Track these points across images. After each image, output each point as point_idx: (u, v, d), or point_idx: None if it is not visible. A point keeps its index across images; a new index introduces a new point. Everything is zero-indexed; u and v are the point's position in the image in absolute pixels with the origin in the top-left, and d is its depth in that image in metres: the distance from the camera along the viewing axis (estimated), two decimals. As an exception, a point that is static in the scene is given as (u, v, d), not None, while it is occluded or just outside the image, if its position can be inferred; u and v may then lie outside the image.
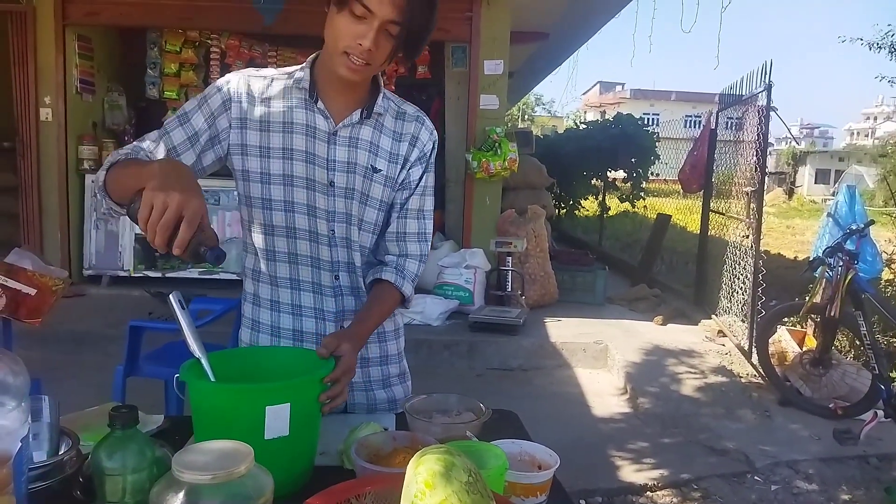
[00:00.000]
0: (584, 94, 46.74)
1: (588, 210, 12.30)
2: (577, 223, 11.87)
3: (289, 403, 1.08)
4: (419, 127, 1.43)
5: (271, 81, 1.35)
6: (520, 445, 1.26)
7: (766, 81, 4.83)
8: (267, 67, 1.43)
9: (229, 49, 6.66)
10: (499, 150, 5.79)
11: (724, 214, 5.89)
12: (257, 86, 1.34)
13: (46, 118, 5.91)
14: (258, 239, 1.39)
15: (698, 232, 6.68)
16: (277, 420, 1.07)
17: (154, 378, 2.89)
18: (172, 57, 6.62)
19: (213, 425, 1.07)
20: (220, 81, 1.35)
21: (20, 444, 0.78)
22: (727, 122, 6.18)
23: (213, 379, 1.12)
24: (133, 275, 6.02)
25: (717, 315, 5.69)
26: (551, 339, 4.95)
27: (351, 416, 1.47)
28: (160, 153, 1.26)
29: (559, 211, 10.80)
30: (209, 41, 6.63)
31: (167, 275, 5.81)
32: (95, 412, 1.40)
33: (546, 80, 13.38)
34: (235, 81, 1.34)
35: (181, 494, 0.78)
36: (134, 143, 1.31)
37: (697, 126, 7.98)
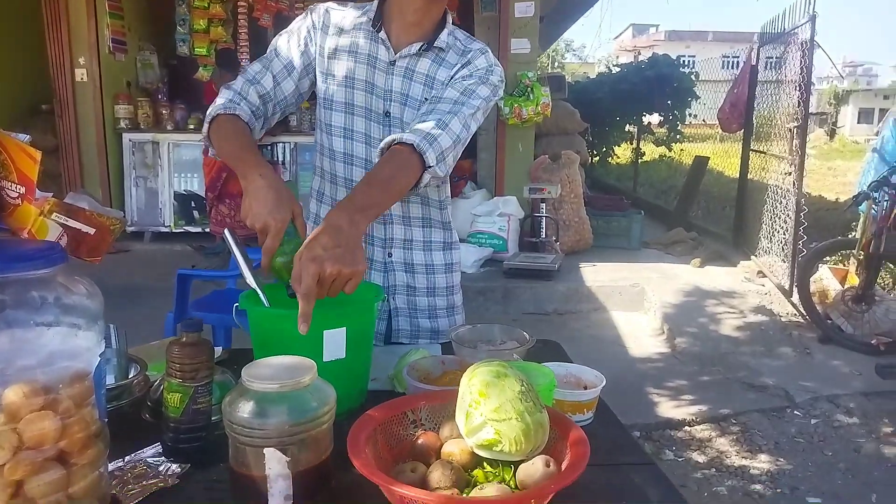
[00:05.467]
0: (616, 37, 45.24)
1: (621, 157, 12.08)
2: (611, 170, 11.69)
3: (345, 328, 1.12)
4: (478, 55, 1.38)
5: (346, 12, 1.40)
6: (566, 368, 1.28)
7: (811, 12, 4.63)
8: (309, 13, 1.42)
9: (256, 2, 6.62)
10: (531, 95, 5.70)
11: (764, 153, 5.75)
12: (335, 16, 1.40)
13: (82, 79, 5.99)
14: (323, 161, 1.46)
15: (736, 176, 6.55)
16: (334, 343, 1.11)
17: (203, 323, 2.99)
18: (201, 13, 6.62)
19: (274, 350, 1.12)
20: (305, 12, 1.42)
21: (98, 358, 0.83)
22: (767, 62, 5.96)
23: (267, 304, 1.17)
24: (174, 230, 6.17)
25: (756, 256, 5.62)
26: (587, 284, 4.96)
27: (397, 346, 1.51)
28: (268, 83, 1.36)
29: (592, 158, 10.63)
30: (236, -5, 6.60)
31: (206, 229, 5.93)
32: (157, 346, 1.46)
33: (576, 24, 13.01)
34: (317, 13, 1.40)
35: (251, 402, 0.83)
36: (237, 81, 1.36)
37: (736, 67, 7.72)
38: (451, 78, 1.38)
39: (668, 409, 3.24)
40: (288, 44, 1.39)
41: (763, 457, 2.85)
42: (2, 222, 1.16)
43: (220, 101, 1.32)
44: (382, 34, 1.36)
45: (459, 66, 1.38)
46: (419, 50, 1.36)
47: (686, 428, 3.08)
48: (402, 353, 1.32)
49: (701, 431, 3.06)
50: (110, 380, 1.13)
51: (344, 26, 1.39)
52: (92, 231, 1.21)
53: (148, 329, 3.51)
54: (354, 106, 1.38)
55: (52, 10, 5.86)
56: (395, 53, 1.37)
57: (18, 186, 1.15)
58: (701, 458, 2.84)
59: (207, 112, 1.31)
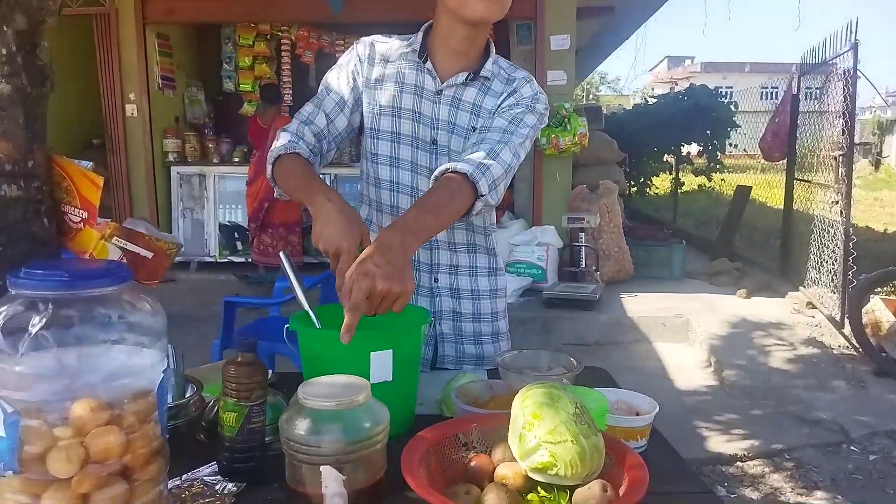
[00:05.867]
0: (651, 69, 45.17)
1: (659, 188, 11.96)
2: (649, 201, 11.56)
3: (391, 350, 1.12)
4: (523, 83, 1.41)
5: (391, 44, 1.43)
6: (616, 393, 1.26)
7: (853, 40, 4.58)
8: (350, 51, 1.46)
9: (299, 40, 6.83)
10: (568, 126, 5.72)
11: (809, 182, 5.63)
12: (379, 48, 1.43)
13: (132, 114, 6.23)
14: (369, 190, 1.48)
15: (778, 206, 6.43)
16: (382, 365, 1.12)
17: (246, 351, 3.03)
18: (246, 50, 6.86)
19: (323, 371, 1.13)
20: (352, 47, 1.45)
21: (161, 376, 0.84)
22: (808, 92, 5.88)
23: (318, 325, 1.18)
24: (219, 260, 6.31)
25: (804, 287, 5.46)
26: (629, 314, 4.88)
27: (443, 371, 1.51)
28: (322, 122, 1.39)
29: (630, 189, 10.55)
30: (280, 33, 6.82)
31: (248, 259, 6.05)
32: (208, 369, 1.49)
33: (611, 57, 13.05)
34: (363, 45, 1.44)
35: (307, 420, 0.84)
36: (293, 123, 1.39)
37: (775, 97, 7.64)
38: (498, 107, 1.39)
39: (719, 443, 3.15)
40: (338, 80, 1.43)
41: (820, 494, 2.74)
42: (64, 246, 1.20)
43: (278, 143, 1.35)
44: (429, 64, 1.38)
45: (505, 94, 1.40)
46: (465, 80, 1.38)
47: (738, 463, 2.97)
48: (449, 377, 1.32)
49: (753, 467, 2.95)
50: (168, 399, 1.14)
51: (389, 57, 1.42)
52: (150, 255, 1.24)
53: (194, 356, 3.55)
54: (401, 135, 1.40)
55: (105, 49, 6.13)
56: (442, 83, 1.39)
57: (81, 211, 1.19)
58: (754, 495, 2.74)
59: (268, 156, 1.35)
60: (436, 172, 1.26)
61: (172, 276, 5.92)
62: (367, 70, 1.42)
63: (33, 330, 0.75)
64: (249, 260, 5.98)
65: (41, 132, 1.16)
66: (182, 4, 6.11)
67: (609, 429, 1.10)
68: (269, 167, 1.35)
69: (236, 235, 6.35)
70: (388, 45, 1.43)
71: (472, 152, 1.28)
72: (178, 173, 6.39)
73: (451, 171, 1.23)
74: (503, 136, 1.31)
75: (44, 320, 0.76)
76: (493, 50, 1.43)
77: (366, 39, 1.45)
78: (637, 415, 1.18)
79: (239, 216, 6.31)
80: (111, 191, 6.30)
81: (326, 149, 1.42)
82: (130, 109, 6.23)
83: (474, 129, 1.39)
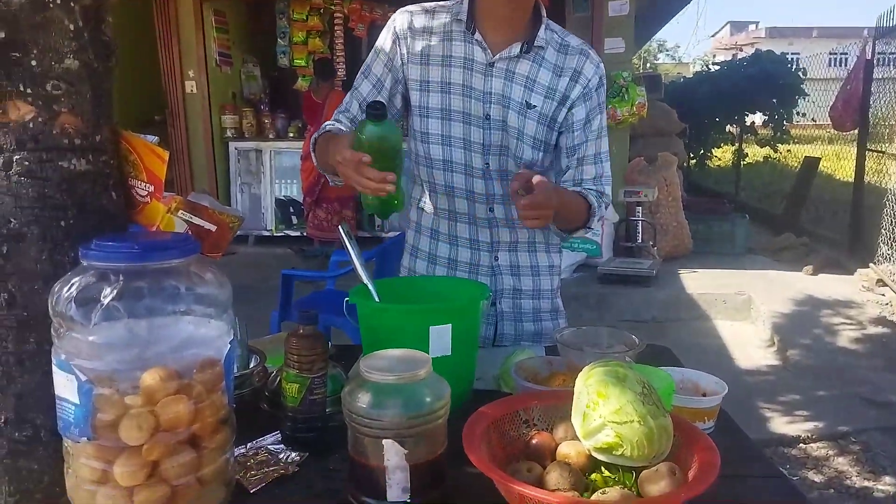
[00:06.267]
0: (712, 35, 43.38)
1: (721, 160, 11.54)
2: (709, 173, 11.18)
3: (450, 324, 1.11)
4: (583, 60, 1.36)
5: (433, 15, 1.36)
6: (681, 373, 1.22)
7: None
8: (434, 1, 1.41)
9: (351, 13, 6.82)
10: (626, 96, 5.55)
11: (883, 153, 5.34)
12: (419, 21, 1.36)
13: (191, 91, 6.36)
14: (421, 171, 1.44)
15: (848, 179, 6.13)
16: (440, 339, 1.11)
17: (304, 323, 3.10)
18: (300, 25, 6.89)
19: (382, 344, 1.13)
20: (389, 22, 1.39)
21: (228, 346, 0.86)
22: (881, 58, 5.53)
23: (377, 299, 1.18)
24: (275, 234, 6.44)
25: (875, 263, 5.21)
26: (687, 291, 4.76)
27: (501, 348, 1.49)
28: (354, 108, 1.39)
29: (689, 161, 10.22)
30: (333, 6, 6.82)
31: (304, 233, 6.15)
32: (269, 340, 1.52)
33: (670, 23, 12.60)
34: (400, 19, 1.37)
35: (369, 394, 0.83)
36: (336, 112, 1.41)
37: (844, 64, 7.22)
38: (568, 103, 1.36)
39: (781, 424, 3.05)
40: (375, 61, 1.38)
41: (888, 479, 2.63)
42: (132, 219, 1.23)
43: (316, 133, 1.37)
44: (477, 35, 1.32)
45: (565, 76, 1.35)
46: (520, 51, 1.32)
47: (801, 445, 2.88)
48: (507, 353, 1.30)
49: (817, 449, 2.85)
50: (234, 369, 1.17)
51: (433, 28, 1.35)
52: (213, 228, 1.26)
53: (254, 328, 3.65)
54: (451, 111, 1.35)
55: (164, 27, 6.25)
56: (493, 55, 1.32)
57: (148, 185, 1.21)
58: (818, 478, 2.65)
59: (309, 147, 1.38)
60: (567, 180, 1.40)
61: (232, 250, 6.06)
62: (408, 45, 1.35)
63: (105, 301, 0.76)
64: (305, 234, 6.07)
65: (108, 107, 1.18)
66: (238, -21, 6.16)
67: (676, 409, 1.07)
68: (312, 155, 1.37)
69: (291, 210, 6.45)
70: (429, 16, 1.36)
71: (577, 176, 1.40)
72: (235, 149, 6.51)
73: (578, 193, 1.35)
74: (597, 168, 1.42)
75: (115, 291, 0.77)
76: (545, 14, 1.36)
77: (402, 15, 1.37)
78: (704, 395, 1.15)
79: (294, 191, 6.40)
80: (173, 166, 6.47)
81: None
82: (190, 86, 6.36)
83: (528, 103, 1.34)
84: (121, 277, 0.78)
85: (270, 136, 6.59)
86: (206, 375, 0.82)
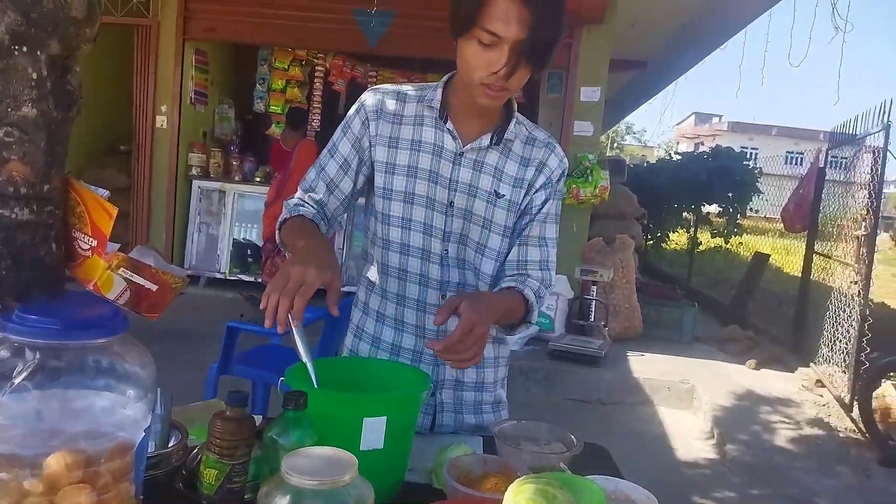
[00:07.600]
0: (677, 124, 45.36)
1: (676, 243, 11.89)
2: (664, 256, 11.49)
3: (385, 417, 1.08)
4: (548, 153, 1.39)
5: (405, 99, 1.37)
6: (614, 483, 1.21)
7: (885, 121, 4.57)
8: (404, 84, 1.42)
9: (333, 68, 6.94)
10: (590, 178, 5.71)
11: (829, 257, 5.56)
12: (390, 103, 1.36)
13: (161, 125, 6.31)
14: (375, 251, 1.42)
15: (796, 274, 6.34)
16: (373, 432, 1.08)
17: (243, 378, 3.01)
18: (280, 73, 6.97)
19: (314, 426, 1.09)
20: (358, 103, 1.39)
21: (143, 434, 0.82)
22: (834, 162, 5.86)
23: (316, 385, 1.14)
24: (228, 277, 6.32)
25: (815, 363, 5.35)
26: (634, 375, 4.80)
27: (438, 436, 1.46)
28: (321, 190, 1.38)
29: (646, 243, 10.50)
30: (315, 60, 6.93)
31: (258, 279, 6.04)
32: (199, 407, 1.46)
33: (639, 109, 13.14)
34: (371, 100, 1.37)
35: (287, 497, 0.80)
36: (297, 192, 1.40)
37: (799, 163, 7.61)
38: (530, 186, 1.37)
39: (714, 522, 3.05)
40: (342, 141, 1.38)
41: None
42: (70, 271, 1.19)
43: (284, 212, 1.35)
44: (449, 124, 1.33)
45: (531, 166, 1.37)
46: (490, 143, 1.34)
47: (732, 546, 2.88)
48: (443, 445, 1.28)
49: (748, 551, 2.85)
50: (150, 447, 1.11)
51: (403, 113, 1.36)
52: (155, 288, 1.22)
53: (192, 374, 3.55)
54: (415, 195, 1.34)
55: (143, 59, 6.23)
56: (464, 145, 1.34)
57: (91, 239, 1.18)
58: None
59: (276, 224, 1.35)
60: (511, 261, 1.38)
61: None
62: (377, 127, 1.35)
63: (16, 380, 0.72)
64: (259, 280, 5.97)
65: (62, 155, 1.15)
66: (224, 24, 6.22)
67: (603, 523, 1.05)
68: (277, 235, 1.34)
69: (249, 253, 6.36)
70: (400, 99, 1.36)
71: (512, 273, 1.38)
72: (199, 187, 6.44)
73: (515, 290, 1.32)
74: (542, 252, 1.39)
75: (29, 370, 0.73)
76: (515, 108, 1.39)
77: (372, 95, 1.37)
78: (634, 508, 1.13)
79: (254, 235, 6.33)
80: (131, 198, 6.36)
81: (332, 213, 1.40)
82: (161, 120, 6.31)
83: (496, 193, 1.35)
84: (37, 355, 0.75)
85: (236, 178, 6.55)
86: (115, 464, 0.78)
